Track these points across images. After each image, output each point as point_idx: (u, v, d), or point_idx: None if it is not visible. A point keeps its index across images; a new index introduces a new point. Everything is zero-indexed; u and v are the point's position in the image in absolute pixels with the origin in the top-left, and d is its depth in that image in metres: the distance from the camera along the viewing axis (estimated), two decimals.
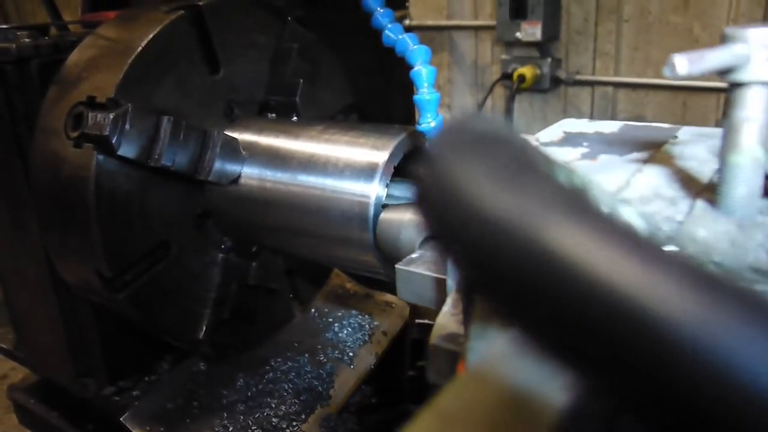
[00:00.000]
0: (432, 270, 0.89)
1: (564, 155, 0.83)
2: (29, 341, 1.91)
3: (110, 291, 1.33)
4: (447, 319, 0.69)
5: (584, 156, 0.84)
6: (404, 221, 1.09)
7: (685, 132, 0.95)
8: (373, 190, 1.18)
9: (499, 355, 0.40)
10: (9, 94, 1.48)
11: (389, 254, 1.13)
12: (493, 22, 3.18)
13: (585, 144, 0.90)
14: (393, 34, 1.10)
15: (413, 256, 0.95)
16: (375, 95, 3.43)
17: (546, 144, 0.91)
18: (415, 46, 1.06)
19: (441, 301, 0.84)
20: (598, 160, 0.82)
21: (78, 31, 1.75)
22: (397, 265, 0.92)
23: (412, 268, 0.91)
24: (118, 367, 1.70)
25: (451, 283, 0.76)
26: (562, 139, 0.93)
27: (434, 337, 0.68)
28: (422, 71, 1.05)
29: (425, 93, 1.05)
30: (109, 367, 1.68)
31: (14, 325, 1.97)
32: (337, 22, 2.18)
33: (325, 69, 1.66)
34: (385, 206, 1.19)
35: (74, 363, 1.71)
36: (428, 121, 1.06)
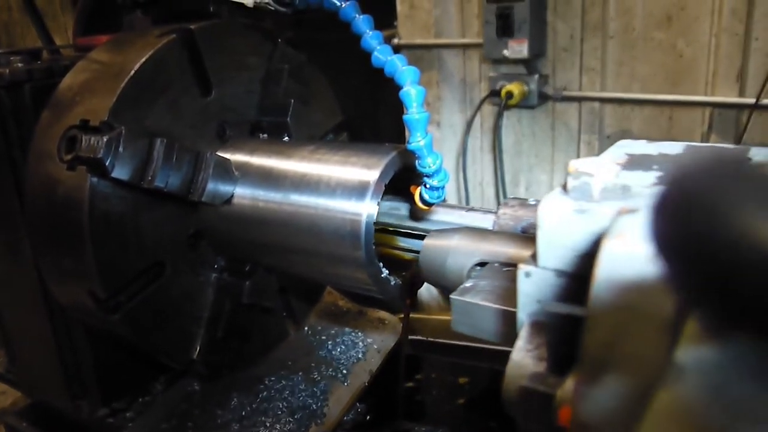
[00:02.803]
0: (491, 300, 0.85)
1: (639, 179, 0.77)
2: (22, 364, 1.91)
3: (104, 312, 1.34)
4: (523, 355, 0.67)
5: (660, 180, 0.77)
6: (451, 247, 1.04)
7: (757, 152, 0.88)
8: (365, 208, 1.19)
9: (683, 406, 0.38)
10: (2, 118, 1.49)
11: (433, 280, 1.09)
12: (480, 40, 3.21)
13: (655, 167, 0.83)
14: (382, 55, 1.11)
15: (467, 285, 0.91)
16: (364, 113, 3.45)
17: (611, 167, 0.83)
18: (404, 67, 1.08)
19: (505, 335, 0.81)
20: None
21: (70, 55, 1.76)
22: (452, 296, 0.88)
23: (470, 299, 0.87)
24: (111, 389, 1.70)
25: (523, 316, 0.72)
26: (628, 162, 0.87)
27: (518, 377, 0.65)
28: (411, 92, 1.06)
29: (414, 113, 1.06)
30: (102, 388, 1.68)
31: (7, 348, 1.97)
32: (326, 42, 2.20)
33: (315, 89, 1.68)
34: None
35: (68, 385, 1.71)
36: (418, 140, 1.07)
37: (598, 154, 2.80)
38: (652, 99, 2.80)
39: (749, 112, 2.45)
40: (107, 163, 1.24)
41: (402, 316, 2.10)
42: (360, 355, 1.90)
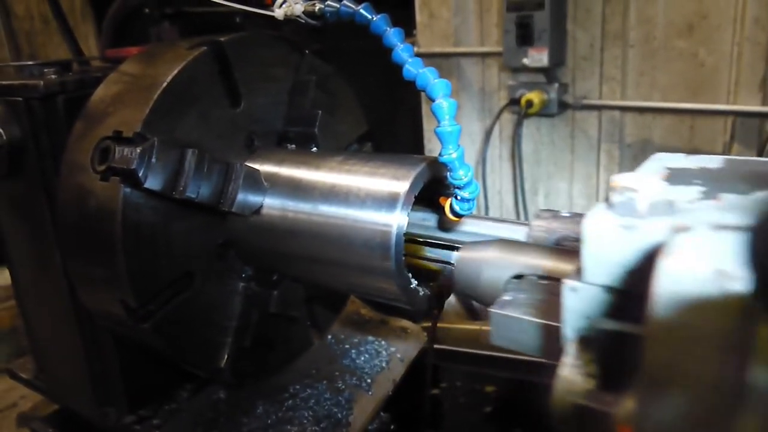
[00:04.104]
0: (532, 315, 0.85)
1: (683, 195, 0.76)
2: (50, 371, 1.93)
3: (135, 321, 1.35)
4: (572, 372, 0.67)
5: (704, 195, 0.77)
6: (486, 260, 1.05)
7: None
8: (395, 219, 1.20)
9: None
10: (35, 129, 1.52)
11: (467, 293, 1.10)
12: (499, 49, 3.23)
13: (696, 182, 0.82)
14: (413, 68, 1.12)
15: (506, 298, 0.91)
16: (381, 120, 3.47)
17: (655, 182, 0.82)
18: (436, 81, 1.08)
19: (547, 349, 0.82)
20: (721, 199, 0.75)
21: (100, 66, 1.79)
22: (491, 309, 0.89)
23: (510, 313, 0.87)
24: (138, 396, 1.72)
25: (569, 332, 0.72)
26: (668, 177, 0.86)
27: (568, 394, 0.65)
28: (443, 105, 1.07)
29: (446, 125, 1.07)
30: (129, 395, 1.70)
31: (34, 355, 1.99)
32: (344, 50, 2.22)
33: (341, 100, 1.70)
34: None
35: (95, 392, 1.73)
36: (450, 153, 1.08)
37: (618, 163, 2.83)
38: (674, 108, 2.80)
39: None
40: (140, 174, 1.25)
41: (424, 325, 2.11)
42: (383, 364, 1.91)
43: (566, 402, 0.64)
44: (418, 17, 3.55)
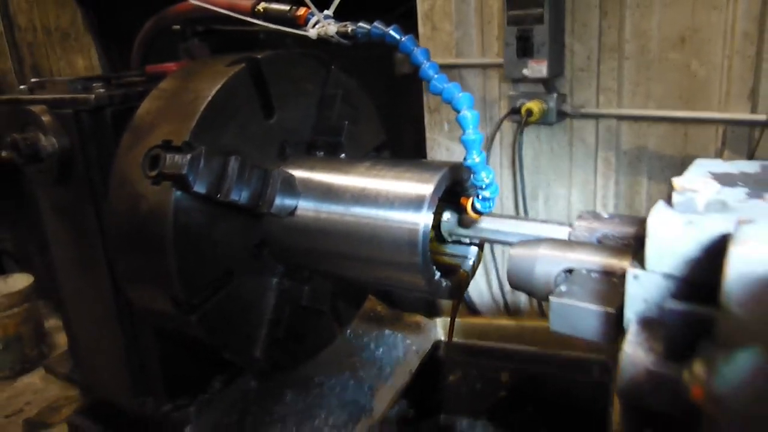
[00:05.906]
0: (589, 302, 0.93)
1: (730, 195, 0.86)
2: (89, 365, 2.05)
3: (184, 314, 1.48)
4: (635, 348, 0.76)
5: (750, 195, 0.86)
6: (538, 256, 1.12)
7: None
8: (422, 218, 1.33)
9: None
10: (84, 139, 1.65)
11: (520, 286, 1.17)
12: (500, 60, 3.35)
13: (741, 184, 0.92)
14: (439, 83, 1.27)
15: (562, 289, 0.99)
16: (386, 127, 3.60)
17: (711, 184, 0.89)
18: (461, 94, 1.23)
19: (604, 333, 0.91)
20: (766, 198, 0.84)
21: (139, 80, 1.92)
22: (551, 298, 0.96)
23: (571, 302, 0.94)
24: (175, 386, 1.84)
25: (630, 314, 0.81)
26: (715, 180, 0.93)
27: (635, 365, 0.74)
28: (468, 115, 1.21)
29: (470, 134, 1.21)
30: (168, 386, 1.82)
31: (72, 352, 2.11)
32: (353, 59, 2.34)
33: (363, 111, 1.83)
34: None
35: (134, 383, 1.85)
36: (474, 158, 1.22)
37: (615, 170, 2.96)
38: (668, 116, 2.93)
39: (761, 129, 2.59)
40: (190, 179, 1.38)
41: (436, 319, 2.25)
42: (400, 356, 2.04)
43: (633, 371, 0.73)
44: (421, 29, 3.67)
